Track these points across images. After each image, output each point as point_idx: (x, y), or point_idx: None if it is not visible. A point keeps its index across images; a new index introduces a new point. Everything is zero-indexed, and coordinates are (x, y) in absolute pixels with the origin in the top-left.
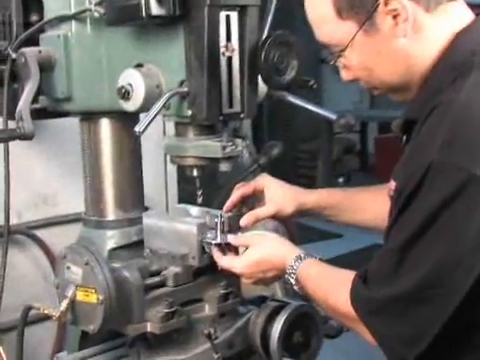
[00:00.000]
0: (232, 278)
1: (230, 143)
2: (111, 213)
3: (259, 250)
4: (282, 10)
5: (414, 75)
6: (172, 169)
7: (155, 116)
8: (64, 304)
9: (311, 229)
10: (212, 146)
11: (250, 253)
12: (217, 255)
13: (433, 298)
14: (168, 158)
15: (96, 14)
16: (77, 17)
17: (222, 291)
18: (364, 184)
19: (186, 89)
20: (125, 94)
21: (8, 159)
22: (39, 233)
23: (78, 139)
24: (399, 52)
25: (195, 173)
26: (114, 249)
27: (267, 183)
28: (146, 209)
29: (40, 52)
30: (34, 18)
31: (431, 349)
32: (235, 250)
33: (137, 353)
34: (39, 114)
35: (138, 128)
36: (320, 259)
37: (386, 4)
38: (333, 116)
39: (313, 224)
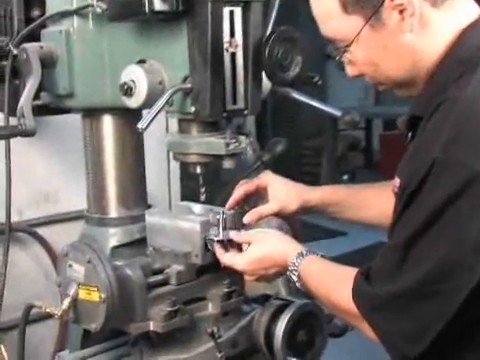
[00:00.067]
0: (235, 276)
1: (234, 140)
2: (113, 210)
3: (261, 247)
4: (286, 6)
5: (420, 70)
6: (175, 166)
7: (158, 113)
8: (66, 302)
9: (315, 227)
10: (215, 143)
11: (252, 250)
12: (219, 252)
13: (437, 295)
14: (171, 155)
15: (98, 9)
16: (79, 12)
17: (225, 289)
18: (369, 181)
19: (189, 85)
20: (128, 90)
21: (9, 156)
22: (40, 231)
23: (80, 136)
24: (405, 47)
25: (198, 170)
26: (116, 247)
27: (270, 180)
28: (149, 207)
29: (42, 48)
30: (36, 13)
31: (434, 346)
32: (237, 247)
33: (140, 352)
34: (41, 110)
35: (141, 125)
36: (322, 256)
37: None
38: (338, 113)
39: (317, 222)
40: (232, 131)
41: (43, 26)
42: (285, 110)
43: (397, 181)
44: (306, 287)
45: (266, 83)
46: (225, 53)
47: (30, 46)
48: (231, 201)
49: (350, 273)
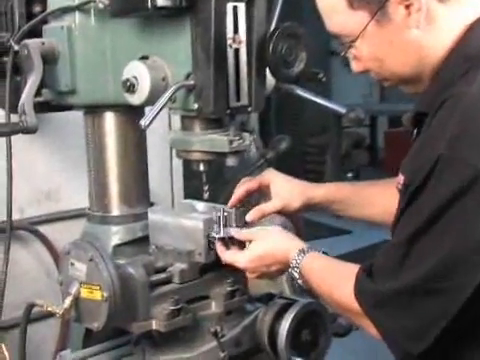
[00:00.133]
0: (239, 275)
1: (237, 137)
2: (116, 208)
3: (262, 244)
4: (290, 1)
5: (426, 66)
6: (178, 164)
7: (161, 109)
8: (68, 301)
9: (319, 225)
10: (219, 140)
11: (253, 247)
12: (220, 249)
13: (440, 292)
14: (174, 152)
15: (100, 5)
16: (81, 8)
17: (229, 288)
18: (373, 179)
19: (192, 82)
20: (130, 87)
21: (10, 153)
22: (42, 229)
23: (82, 133)
24: (411, 43)
25: (201, 168)
26: (119, 245)
27: (273, 178)
28: (151, 204)
29: (43, 44)
30: (37, 9)
31: (437, 344)
32: (239, 244)
33: (142, 351)
34: (42, 107)
35: (143, 122)
36: (324, 252)
37: None
38: (342, 110)
39: (322, 220)
40: (235, 128)
41: (45, 22)
42: (289, 107)
43: (401, 178)
44: (308, 284)
45: (270, 80)
46: (228, 49)
47: (31, 42)
48: (233, 199)
49: (352, 270)
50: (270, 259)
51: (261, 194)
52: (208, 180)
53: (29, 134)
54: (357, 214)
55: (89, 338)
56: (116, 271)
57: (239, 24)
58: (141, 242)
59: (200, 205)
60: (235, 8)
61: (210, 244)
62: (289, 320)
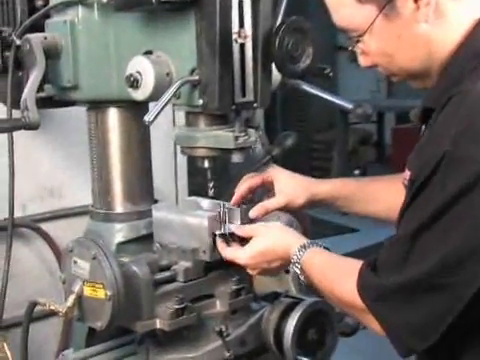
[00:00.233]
0: (244, 273)
1: (243, 133)
2: (119, 205)
3: (263, 240)
4: None
5: (435, 61)
6: (182, 160)
7: (165, 105)
8: (70, 300)
9: (326, 223)
10: (224, 136)
11: (254, 244)
12: (221, 246)
13: (446, 287)
14: (178, 149)
15: None
16: (84, 2)
17: (234, 287)
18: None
19: (197, 77)
20: (134, 82)
21: (12, 150)
22: (44, 226)
23: (85, 129)
24: (420, 37)
25: (206, 164)
26: (122, 243)
27: (276, 174)
28: (155, 201)
29: (46, 38)
30: (39, 3)
31: (442, 341)
32: (240, 241)
33: (146, 351)
34: (45, 103)
35: (147, 118)
36: (325, 247)
37: None
38: (349, 105)
39: (328, 218)
40: (241, 124)
41: (47, 16)
42: (295, 103)
43: (407, 173)
44: (309, 280)
45: (276, 75)
46: (234, 44)
47: (34, 37)
48: (236, 197)
49: (355, 265)
50: (271, 255)
51: (264, 191)
52: (213, 177)
53: (31, 130)
54: (362, 210)
55: (92, 337)
56: (120, 269)
57: (245, 18)
58: (145, 240)
59: (205, 202)
60: (241, 2)
61: (215, 242)
62: (295, 319)
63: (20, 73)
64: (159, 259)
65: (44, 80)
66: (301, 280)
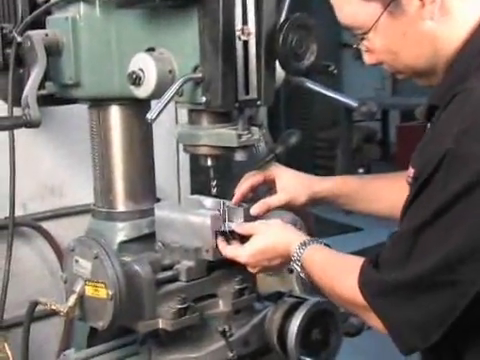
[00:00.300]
0: (247, 273)
1: (246, 131)
2: (121, 204)
3: (263, 238)
4: None
5: (440, 59)
6: (185, 158)
7: (168, 103)
8: (72, 299)
9: (330, 222)
10: (227, 134)
11: (255, 241)
12: (221, 244)
13: (448, 285)
14: (181, 147)
15: None
16: None
17: (237, 286)
18: None
19: (200, 75)
20: (136, 80)
21: (13, 148)
22: (45, 225)
23: (87, 127)
24: (426, 35)
25: (209, 162)
26: (124, 242)
27: (278, 172)
28: (158, 200)
29: (47, 35)
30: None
31: (444, 339)
32: (240, 239)
33: (148, 351)
34: (46, 101)
35: (150, 115)
36: (326, 244)
37: None
38: (354, 103)
39: (332, 217)
40: (244, 122)
41: (48, 13)
42: (299, 100)
43: (411, 171)
44: (310, 277)
45: (280, 72)
46: (237, 41)
47: (35, 33)
48: (237, 195)
49: (355, 262)
50: (271, 253)
51: (266, 189)
52: (216, 175)
53: (32, 128)
54: (364, 208)
55: (94, 337)
56: (122, 269)
57: (248, 15)
58: (147, 239)
59: (208, 201)
60: None
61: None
62: (299, 319)
63: (21, 70)
64: (161, 258)
65: (45, 77)
66: (302, 277)
